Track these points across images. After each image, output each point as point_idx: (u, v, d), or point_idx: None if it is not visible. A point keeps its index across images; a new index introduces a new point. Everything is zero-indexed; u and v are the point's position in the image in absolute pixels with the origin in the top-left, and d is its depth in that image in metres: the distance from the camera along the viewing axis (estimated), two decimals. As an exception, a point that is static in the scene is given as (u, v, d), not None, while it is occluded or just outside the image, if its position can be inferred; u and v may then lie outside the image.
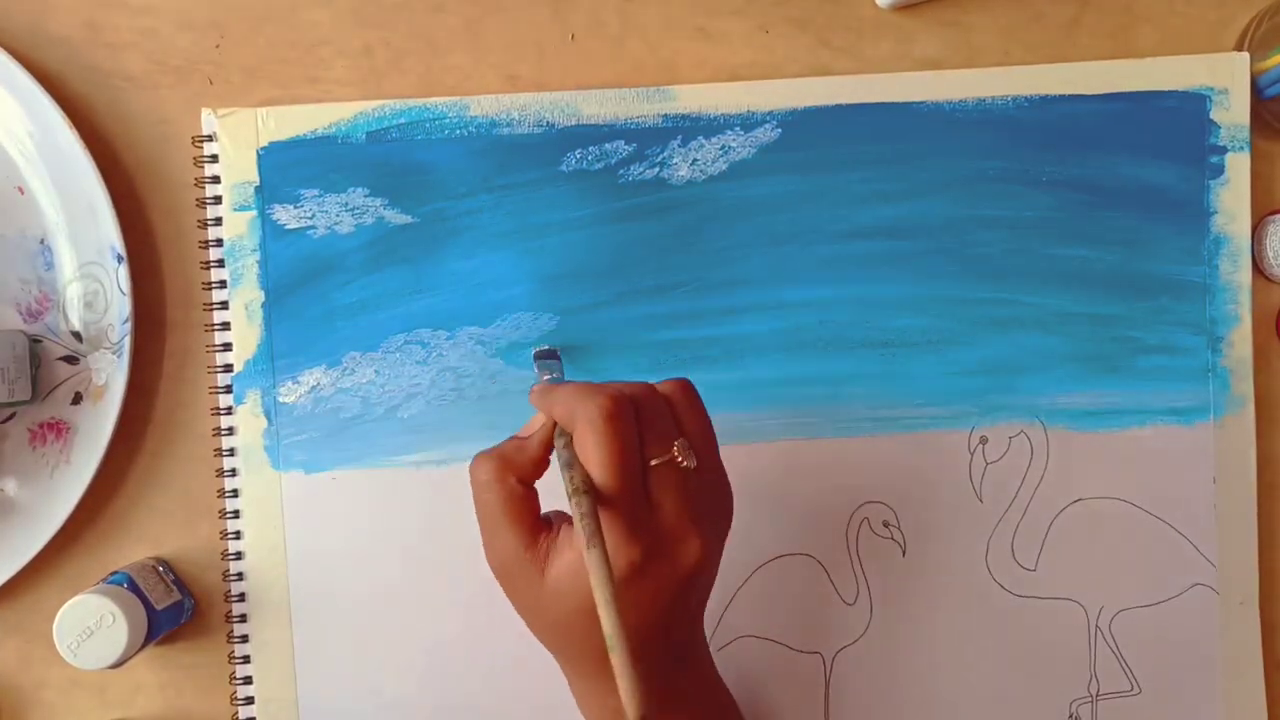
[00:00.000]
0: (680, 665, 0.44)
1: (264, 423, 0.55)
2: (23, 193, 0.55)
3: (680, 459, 0.42)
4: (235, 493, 0.55)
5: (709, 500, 0.44)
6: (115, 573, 0.54)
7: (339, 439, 0.55)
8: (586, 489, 0.40)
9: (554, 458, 0.43)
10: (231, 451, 0.55)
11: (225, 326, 0.55)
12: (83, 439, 0.55)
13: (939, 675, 0.56)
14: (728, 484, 0.46)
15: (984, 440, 0.56)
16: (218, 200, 0.55)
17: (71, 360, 0.55)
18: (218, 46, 0.56)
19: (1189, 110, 0.55)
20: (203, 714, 0.57)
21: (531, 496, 0.43)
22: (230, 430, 0.55)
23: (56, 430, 0.55)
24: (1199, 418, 0.56)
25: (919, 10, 0.56)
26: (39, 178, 0.55)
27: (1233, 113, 0.55)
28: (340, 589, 0.56)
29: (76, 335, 0.55)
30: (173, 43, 0.56)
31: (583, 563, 0.39)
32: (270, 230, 0.55)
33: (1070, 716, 0.56)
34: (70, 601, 0.50)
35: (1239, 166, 0.55)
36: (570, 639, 0.43)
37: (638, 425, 0.42)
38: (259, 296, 0.55)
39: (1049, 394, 0.56)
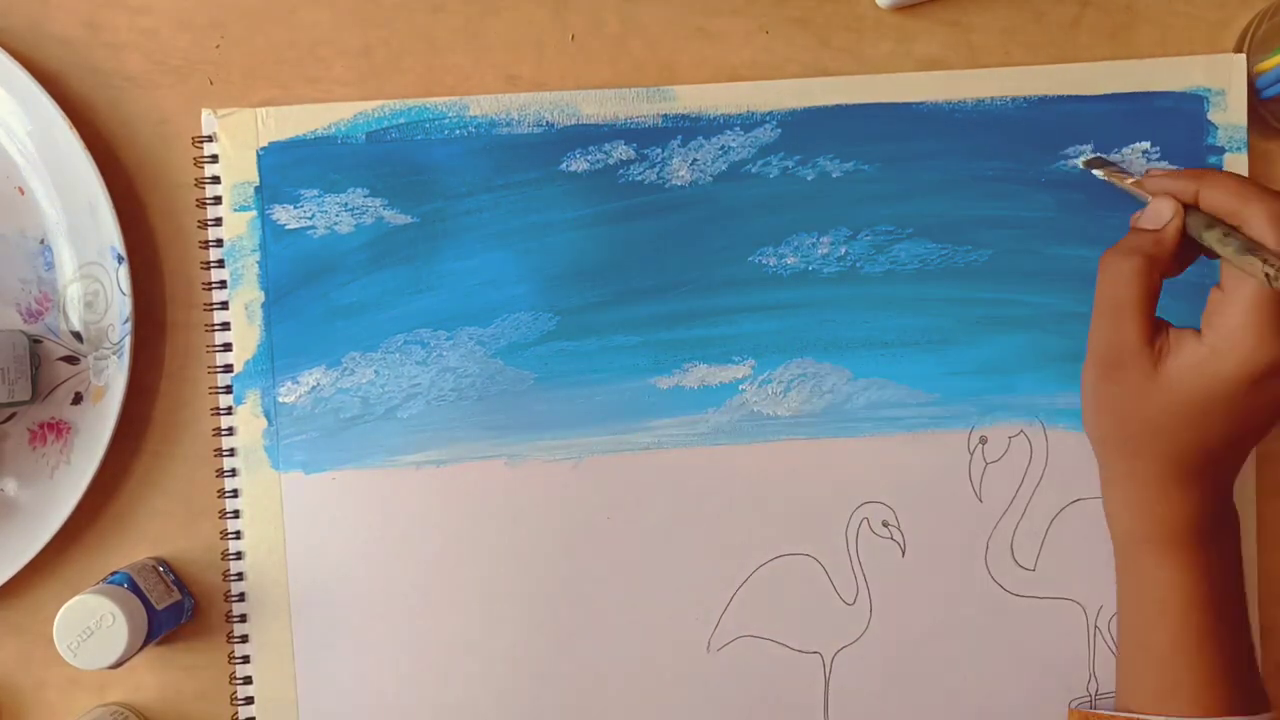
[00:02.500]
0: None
1: (264, 423, 0.55)
2: (23, 193, 0.55)
3: None
4: (235, 493, 0.55)
5: None
6: (115, 573, 0.54)
7: (339, 439, 0.55)
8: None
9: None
10: (231, 452, 0.55)
11: (225, 327, 0.55)
12: (83, 439, 0.55)
13: (938, 675, 0.56)
14: None
15: (984, 440, 0.56)
16: (218, 200, 0.55)
17: (72, 360, 0.55)
18: (218, 46, 0.56)
19: (1186, 111, 0.55)
20: (203, 714, 0.57)
21: (1159, 294, 0.46)
22: (230, 430, 0.55)
23: (56, 430, 0.55)
24: (1198, 418, 0.56)
25: (919, 10, 0.56)
26: (39, 178, 0.55)
27: (1230, 114, 0.55)
28: (340, 589, 0.56)
29: (77, 335, 0.55)
30: (173, 43, 0.56)
31: (1203, 363, 0.44)
32: (270, 230, 0.55)
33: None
34: (70, 601, 0.50)
35: (1237, 167, 0.55)
36: (1157, 436, 0.46)
37: None
38: (259, 296, 0.55)
39: (1049, 394, 0.56)
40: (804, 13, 0.56)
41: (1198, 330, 0.46)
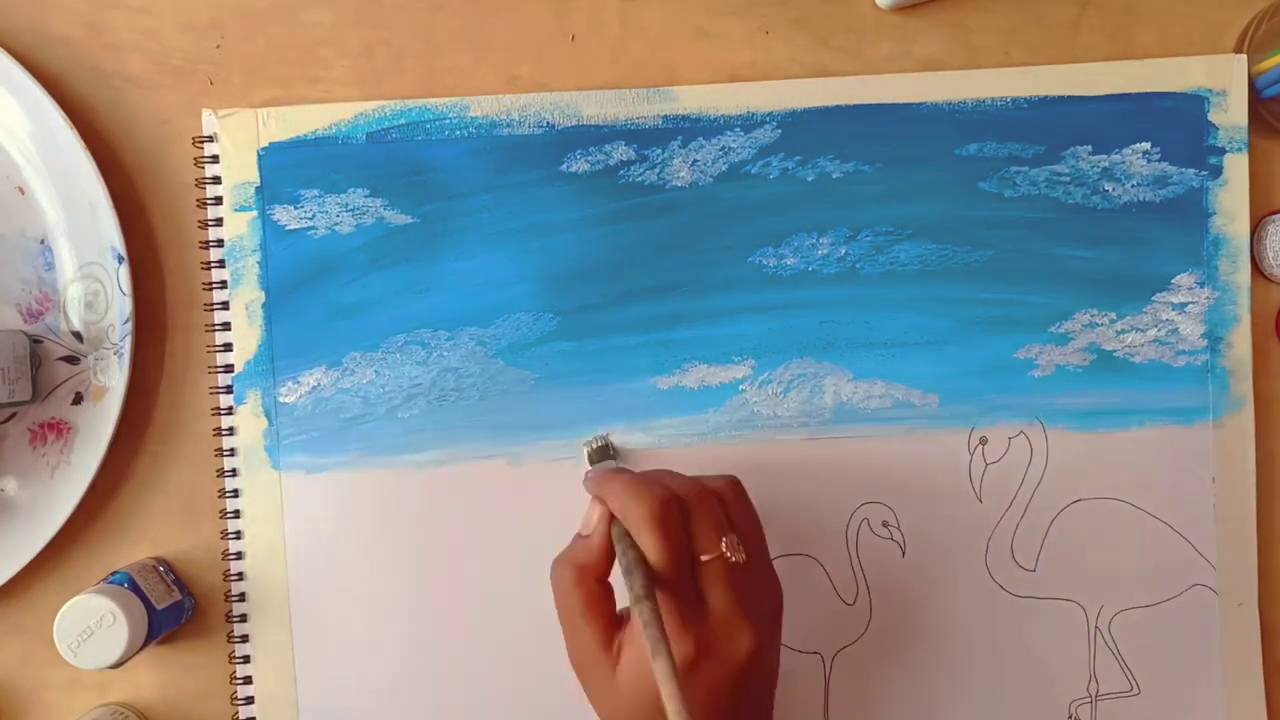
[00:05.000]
0: None
1: (264, 423, 0.55)
2: (23, 193, 0.55)
3: (729, 554, 0.43)
4: (236, 493, 0.55)
5: (759, 593, 0.45)
6: (115, 573, 0.54)
7: (339, 439, 0.55)
8: (648, 595, 0.41)
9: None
10: (232, 452, 0.55)
11: (226, 327, 0.55)
12: (83, 439, 0.55)
13: (938, 675, 0.56)
14: (777, 579, 0.47)
15: (984, 440, 0.56)
16: (218, 201, 0.55)
17: (72, 360, 0.55)
18: (218, 47, 0.56)
19: (1187, 111, 0.55)
20: (203, 714, 0.57)
21: (608, 594, 0.45)
22: (231, 430, 0.55)
23: (57, 430, 0.55)
24: (1198, 418, 0.56)
25: (919, 10, 0.56)
26: (39, 178, 0.55)
27: (1231, 114, 0.55)
28: (341, 589, 0.56)
29: (77, 335, 0.55)
30: (173, 43, 0.56)
31: (642, 661, 0.41)
32: (271, 231, 0.55)
33: (1069, 717, 0.56)
34: (70, 601, 0.50)
35: (1237, 168, 0.55)
36: None
37: (688, 523, 0.44)
38: (260, 297, 0.55)
39: (1048, 394, 0.56)
40: (804, 13, 0.56)
41: None
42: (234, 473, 0.56)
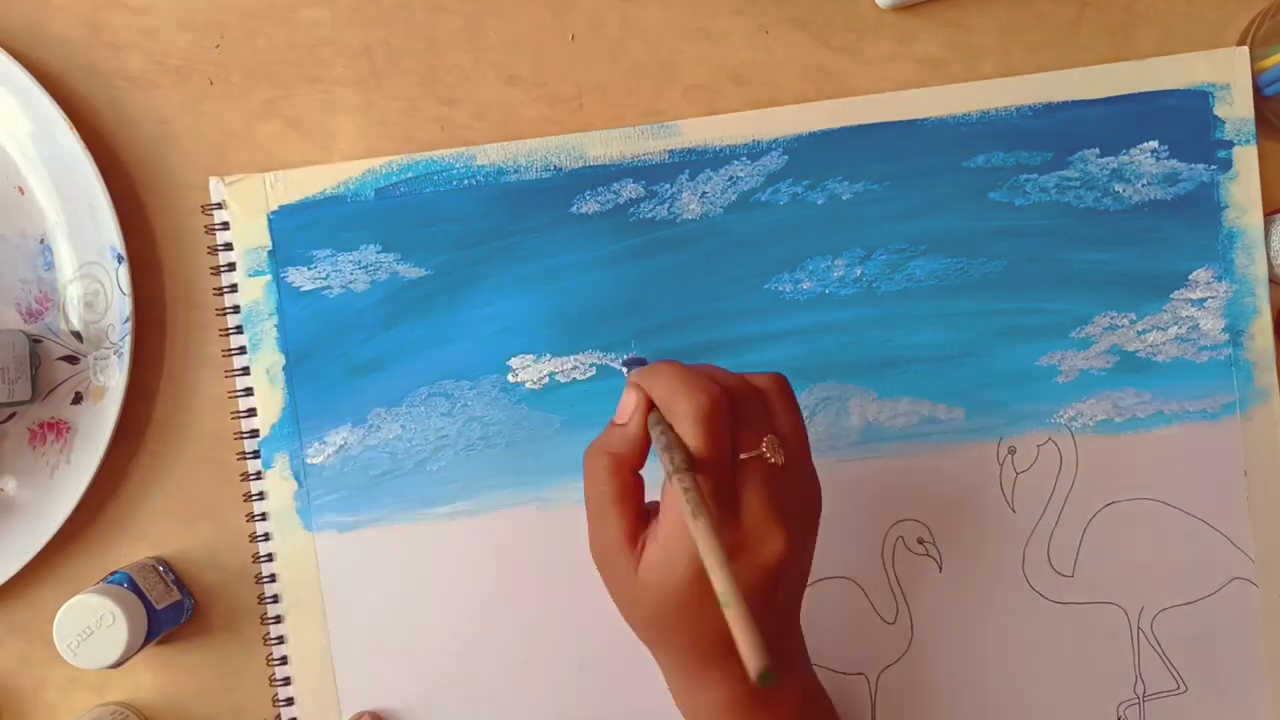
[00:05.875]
0: (778, 663, 0.44)
1: (294, 485, 0.55)
2: (23, 193, 0.55)
3: (769, 455, 0.42)
4: (270, 557, 0.56)
5: (797, 498, 0.44)
6: (115, 573, 0.54)
7: (370, 496, 0.55)
8: (688, 466, 0.40)
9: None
10: (264, 516, 0.56)
11: (249, 392, 0.55)
12: (83, 439, 0.55)
13: (984, 687, 0.56)
14: (817, 483, 0.46)
15: (1012, 450, 0.56)
16: (232, 267, 0.55)
17: (72, 360, 0.55)
18: (218, 46, 0.56)
19: (1193, 108, 0.55)
20: (203, 714, 0.57)
21: (640, 486, 0.44)
22: (261, 495, 0.55)
23: (56, 430, 0.55)
24: (1225, 412, 0.56)
25: (919, 10, 0.56)
26: (39, 178, 0.55)
27: (1236, 107, 0.55)
28: (381, 645, 0.56)
29: (77, 335, 0.55)
30: (173, 43, 0.56)
31: (666, 554, 0.41)
32: (286, 293, 0.55)
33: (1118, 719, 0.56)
34: (70, 601, 0.51)
35: (1246, 160, 0.55)
36: (660, 632, 0.43)
37: (731, 420, 0.42)
38: (279, 360, 0.55)
39: (1074, 399, 0.56)
40: (804, 13, 0.56)
41: None
42: (267, 537, 0.56)
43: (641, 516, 0.44)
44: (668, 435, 0.42)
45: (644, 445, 0.44)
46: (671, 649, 0.44)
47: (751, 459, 0.42)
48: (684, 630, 0.42)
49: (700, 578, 0.39)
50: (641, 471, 0.44)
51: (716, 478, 0.41)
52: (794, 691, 0.45)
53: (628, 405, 0.45)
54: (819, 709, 0.46)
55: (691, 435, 0.41)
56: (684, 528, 0.41)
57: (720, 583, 0.36)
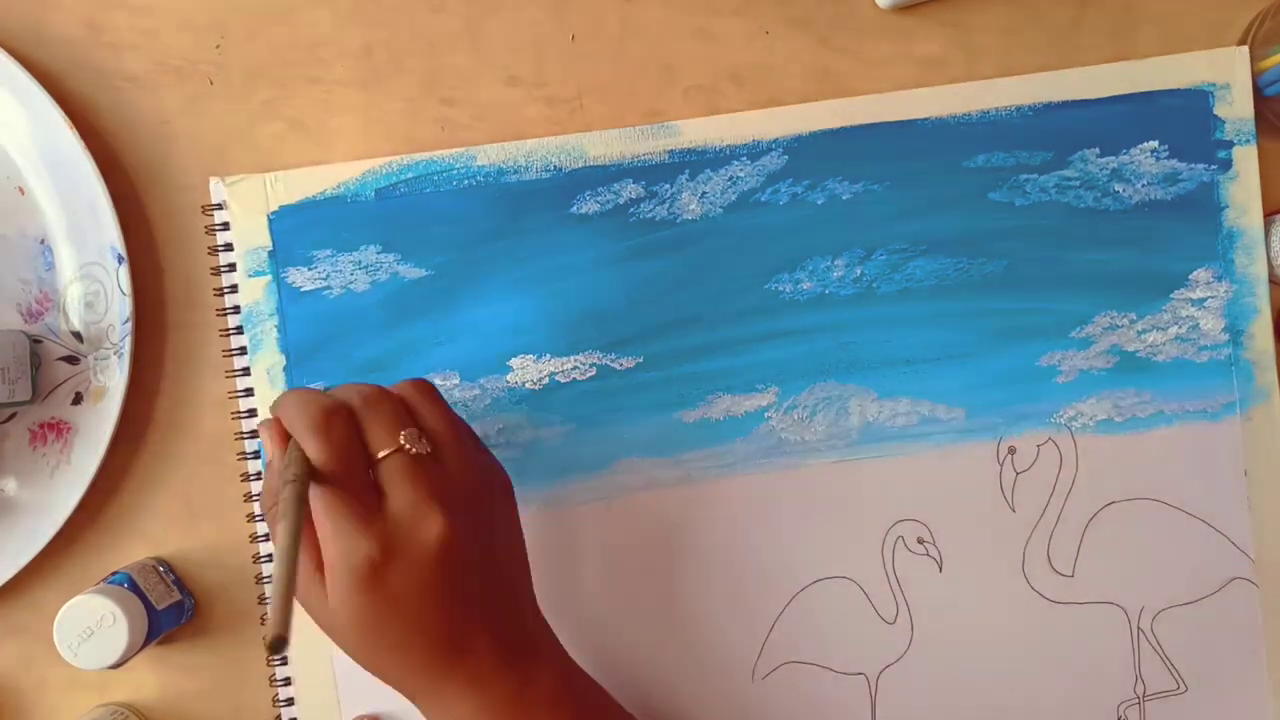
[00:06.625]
0: (518, 656, 0.45)
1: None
2: (23, 193, 0.55)
3: (409, 447, 0.44)
4: (270, 557, 0.56)
5: (460, 482, 0.45)
6: (115, 573, 0.54)
7: (370, 496, 0.55)
8: (294, 478, 0.42)
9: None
10: (264, 517, 0.55)
11: (249, 392, 0.55)
12: (83, 439, 0.55)
13: (984, 687, 0.56)
14: (487, 465, 0.47)
15: (1012, 450, 0.56)
16: (232, 268, 0.55)
17: (72, 360, 0.55)
18: (218, 46, 0.56)
19: (1193, 107, 0.55)
20: (203, 714, 0.57)
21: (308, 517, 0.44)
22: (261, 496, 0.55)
23: (57, 430, 0.55)
24: (1225, 412, 0.56)
25: (919, 10, 0.56)
26: (39, 178, 0.55)
27: (1236, 107, 0.55)
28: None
29: (77, 335, 0.55)
30: (173, 43, 0.56)
31: (333, 574, 0.42)
32: (286, 294, 0.55)
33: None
34: (70, 601, 0.51)
35: (1246, 160, 0.55)
36: (377, 656, 0.43)
37: (362, 424, 0.44)
38: (280, 360, 0.55)
39: (1074, 399, 0.56)
40: (804, 13, 0.56)
41: None
42: (267, 538, 0.56)
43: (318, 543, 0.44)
44: (291, 453, 0.43)
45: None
46: (404, 671, 0.44)
47: (390, 454, 0.44)
48: (396, 646, 0.43)
49: (373, 588, 0.41)
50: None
51: (348, 480, 0.43)
52: (547, 681, 0.45)
53: (265, 442, 0.46)
54: (579, 697, 0.46)
55: (310, 446, 0.43)
56: (329, 541, 0.42)
57: (277, 566, 0.38)
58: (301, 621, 0.55)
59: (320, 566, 0.43)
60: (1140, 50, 0.56)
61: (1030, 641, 0.56)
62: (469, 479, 0.46)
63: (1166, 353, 0.56)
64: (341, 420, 0.44)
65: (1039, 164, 0.55)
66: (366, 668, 0.44)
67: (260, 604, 0.56)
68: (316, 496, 0.43)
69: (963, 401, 0.56)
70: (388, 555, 0.42)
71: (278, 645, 0.36)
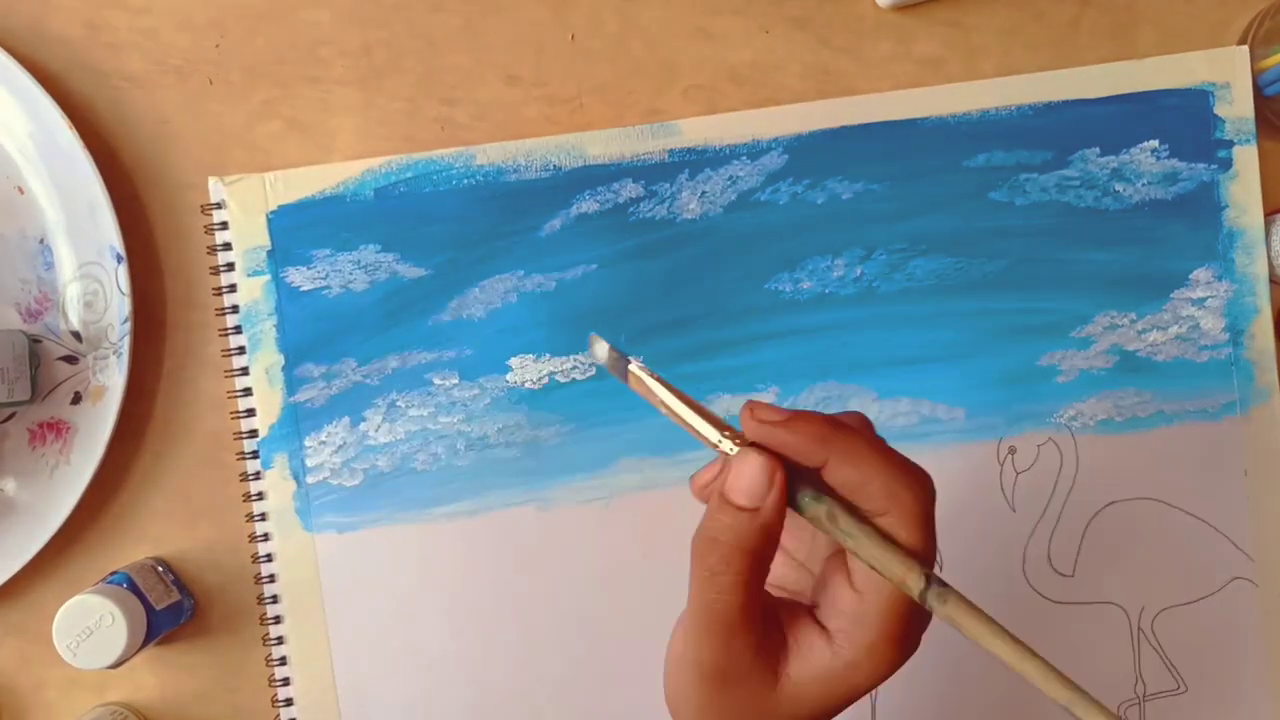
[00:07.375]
0: None
1: (293, 486, 0.55)
2: (23, 193, 0.55)
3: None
4: (270, 557, 0.55)
5: None
6: (115, 573, 0.54)
7: (369, 496, 0.55)
8: (931, 581, 0.35)
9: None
10: (263, 517, 0.55)
11: (248, 392, 0.55)
12: (83, 439, 0.55)
13: (984, 687, 0.56)
14: None
15: (1012, 450, 0.56)
16: (231, 267, 0.55)
17: (71, 360, 0.55)
18: (218, 46, 0.56)
19: (1193, 107, 0.55)
20: (203, 714, 0.57)
21: (764, 582, 0.36)
22: (260, 495, 0.55)
23: (56, 430, 0.55)
24: (1225, 412, 0.56)
25: (919, 10, 0.56)
26: (39, 178, 0.55)
27: (1236, 106, 0.55)
28: (380, 645, 0.55)
29: (76, 335, 0.55)
30: (173, 43, 0.56)
31: (834, 675, 0.36)
32: (285, 293, 0.55)
33: (1118, 719, 0.56)
34: (70, 601, 0.51)
35: (1247, 159, 0.55)
36: None
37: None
38: (278, 360, 0.55)
39: (1074, 399, 0.56)
40: (804, 13, 0.56)
41: (823, 629, 0.36)
42: (266, 537, 0.55)
43: (768, 619, 0.36)
44: (870, 533, 0.34)
45: (778, 536, 0.35)
46: None
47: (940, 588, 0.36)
48: None
49: (876, 685, 0.36)
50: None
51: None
52: None
53: (756, 479, 0.34)
54: None
55: (919, 538, 0.34)
56: (890, 638, 0.36)
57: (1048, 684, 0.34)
58: (301, 621, 0.55)
59: (765, 641, 0.36)
60: (1140, 50, 0.56)
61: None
62: None
63: (1167, 352, 0.56)
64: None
65: (1039, 163, 0.55)
66: None
67: (260, 604, 0.56)
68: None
69: (963, 401, 0.56)
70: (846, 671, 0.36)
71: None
